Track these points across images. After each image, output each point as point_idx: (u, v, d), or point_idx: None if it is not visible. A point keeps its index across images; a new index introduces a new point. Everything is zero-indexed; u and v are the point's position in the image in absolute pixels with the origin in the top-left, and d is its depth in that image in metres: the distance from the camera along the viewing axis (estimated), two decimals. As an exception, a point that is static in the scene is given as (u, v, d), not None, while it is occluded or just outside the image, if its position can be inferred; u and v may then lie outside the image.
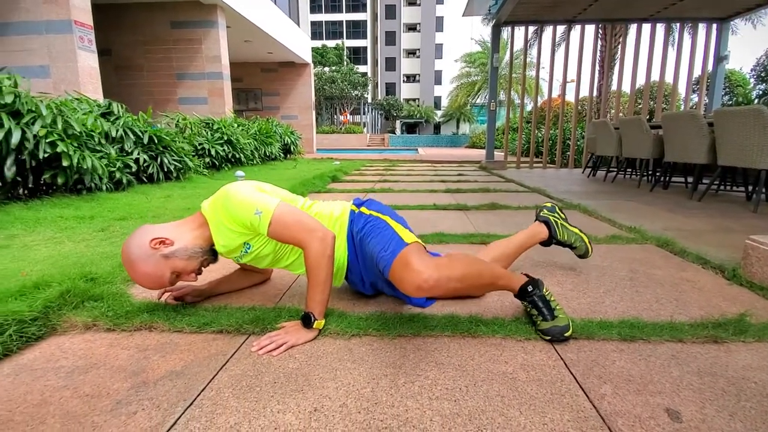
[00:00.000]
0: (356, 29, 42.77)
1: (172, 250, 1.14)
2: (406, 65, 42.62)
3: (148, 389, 0.91)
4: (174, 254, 1.14)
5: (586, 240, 1.66)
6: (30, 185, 2.86)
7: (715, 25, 6.82)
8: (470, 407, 0.85)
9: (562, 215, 1.69)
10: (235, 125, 6.86)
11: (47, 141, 2.81)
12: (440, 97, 41.39)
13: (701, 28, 7.04)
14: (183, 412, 0.83)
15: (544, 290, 1.20)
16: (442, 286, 1.01)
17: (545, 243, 1.64)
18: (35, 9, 4.80)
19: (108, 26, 7.65)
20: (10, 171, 2.63)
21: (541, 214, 1.67)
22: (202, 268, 1.23)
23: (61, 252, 1.92)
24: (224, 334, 1.16)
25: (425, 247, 1.19)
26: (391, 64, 42.37)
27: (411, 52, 42.61)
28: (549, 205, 1.72)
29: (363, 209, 1.31)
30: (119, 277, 1.51)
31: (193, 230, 1.21)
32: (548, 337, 1.11)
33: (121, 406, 0.85)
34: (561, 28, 8.81)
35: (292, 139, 9.40)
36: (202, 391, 0.90)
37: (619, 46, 8.15)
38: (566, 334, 1.10)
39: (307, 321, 1.12)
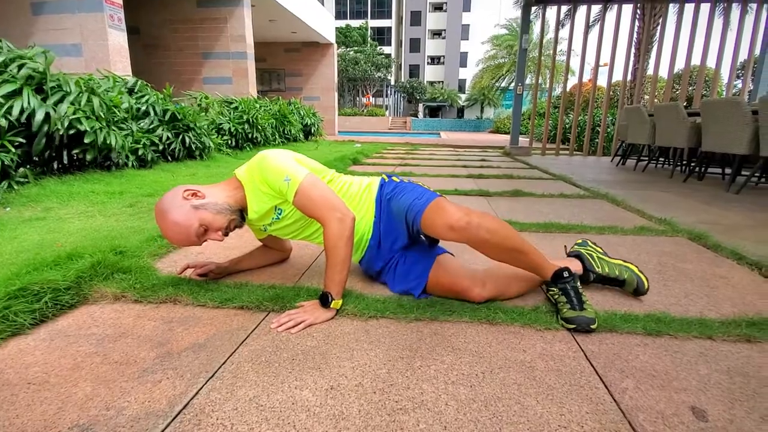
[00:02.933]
0: (381, 8, 41.87)
1: (203, 202, 1.17)
2: (431, 46, 41.63)
3: (173, 359, 0.94)
4: (204, 206, 1.17)
5: (636, 270, 1.36)
6: (64, 161, 2.96)
7: (766, 6, 6.34)
8: (486, 394, 0.84)
9: (598, 248, 1.46)
10: (257, 105, 6.89)
11: (73, 117, 2.87)
12: (465, 80, 40.38)
13: (750, 9, 6.56)
14: (205, 383, 0.86)
15: (577, 283, 1.18)
16: (472, 230, 1.07)
17: (583, 279, 1.37)
18: (68, -13, 4.89)
19: (136, 4, 7.74)
20: (38, 146, 2.69)
21: (570, 250, 1.48)
22: (230, 231, 1.23)
23: (93, 225, 2.00)
24: (245, 310, 1.18)
25: None
26: (415, 45, 41.47)
27: (436, 33, 41.54)
28: (579, 241, 1.51)
29: (394, 178, 1.36)
30: (146, 251, 1.56)
31: (225, 191, 1.24)
32: (572, 326, 1.08)
33: (147, 374, 0.89)
34: (596, 8, 8.38)
35: (314, 121, 9.40)
36: (223, 363, 0.93)
37: (658, 28, 7.71)
38: (592, 326, 1.08)
39: (324, 300, 1.14)
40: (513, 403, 0.81)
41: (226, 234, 1.21)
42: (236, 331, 1.07)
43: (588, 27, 7.25)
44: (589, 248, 1.45)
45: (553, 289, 1.20)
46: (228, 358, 0.95)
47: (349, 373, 0.90)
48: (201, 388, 0.84)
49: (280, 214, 1.27)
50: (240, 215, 1.24)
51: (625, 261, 1.40)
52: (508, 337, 1.07)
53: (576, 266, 1.37)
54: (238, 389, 0.84)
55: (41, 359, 0.94)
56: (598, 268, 1.36)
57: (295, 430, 0.73)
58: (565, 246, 1.54)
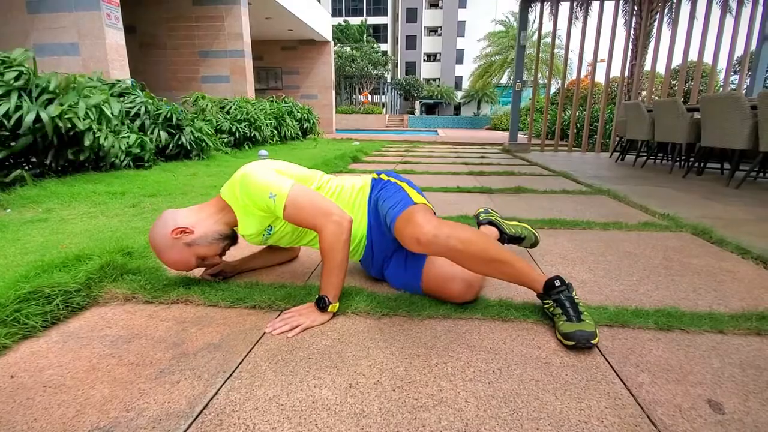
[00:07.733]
0: (377, 5, 41.66)
1: (193, 239, 1.19)
2: (427, 43, 41.53)
3: (189, 360, 0.94)
4: (195, 242, 1.19)
5: (530, 228, 1.68)
6: (49, 160, 2.92)
7: (762, 1, 6.35)
8: (504, 390, 0.85)
9: (496, 213, 1.73)
10: (250, 105, 6.85)
11: (66, 118, 2.84)
12: (461, 77, 40.33)
13: (746, 3, 6.58)
14: (223, 383, 0.86)
15: (573, 293, 1.10)
16: (440, 242, 1.01)
17: (499, 240, 1.61)
18: (63, -15, 4.85)
19: (133, 3, 7.68)
20: (22, 144, 2.67)
21: (481, 218, 1.68)
22: (225, 252, 1.28)
23: (96, 226, 1.99)
24: (257, 310, 1.18)
25: (434, 213, 1.19)
26: (411, 42, 41.37)
27: (432, 30, 41.45)
28: (482, 209, 1.75)
29: (382, 176, 1.34)
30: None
31: (212, 215, 1.24)
32: (571, 343, 0.98)
33: (165, 375, 0.88)
34: (594, 4, 8.39)
35: (311, 119, 9.37)
36: (240, 363, 0.93)
37: (655, 23, 7.73)
38: (593, 342, 0.98)
39: (321, 304, 1.11)
40: (532, 399, 0.82)
41: (222, 255, 1.28)
42: (250, 331, 1.07)
43: (586, 22, 7.25)
44: (491, 215, 1.69)
45: (547, 301, 1.11)
46: (244, 357, 0.95)
47: (366, 371, 0.90)
48: (220, 388, 0.84)
49: (270, 230, 1.26)
50: (233, 237, 1.28)
51: (519, 222, 1.70)
52: (522, 334, 1.07)
53: (492, 232, 1.60)
54: (257, 389, 0.84)
55: (55, 362, 0.94)
56: (508, 230, 1.62)
57: (318, 429, 0.73)
58: (476, 216, 1.73)
